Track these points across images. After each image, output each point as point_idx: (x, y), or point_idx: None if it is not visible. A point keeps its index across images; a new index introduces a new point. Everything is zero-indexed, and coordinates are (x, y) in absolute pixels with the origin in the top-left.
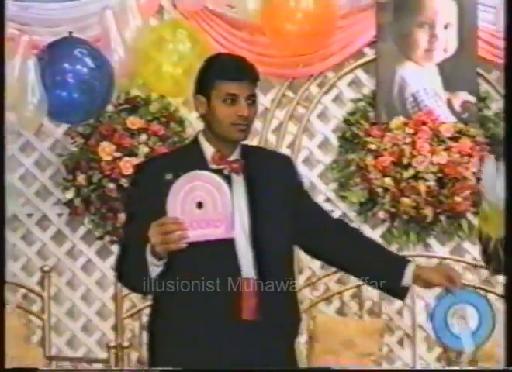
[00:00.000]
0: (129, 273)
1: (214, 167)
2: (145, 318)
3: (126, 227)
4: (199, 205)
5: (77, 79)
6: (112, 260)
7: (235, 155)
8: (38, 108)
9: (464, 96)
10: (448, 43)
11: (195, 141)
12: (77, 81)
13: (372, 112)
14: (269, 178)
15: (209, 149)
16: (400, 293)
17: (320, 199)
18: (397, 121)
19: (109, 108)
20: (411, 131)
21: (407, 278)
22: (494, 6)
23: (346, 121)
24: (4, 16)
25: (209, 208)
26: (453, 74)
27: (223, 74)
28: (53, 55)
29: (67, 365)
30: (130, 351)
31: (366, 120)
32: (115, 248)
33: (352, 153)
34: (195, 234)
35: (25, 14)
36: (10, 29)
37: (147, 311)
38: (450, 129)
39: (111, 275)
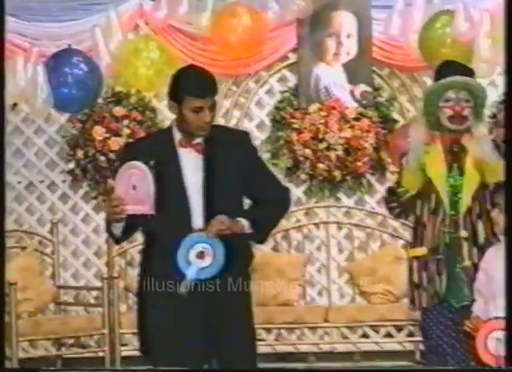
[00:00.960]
0: (108, 230)
1: (181, 149)
2: (129, 256)
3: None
4: (134, 187)
5: (75, 79)
6: (103, 214)
7: (198, 139)
8: (46, 101)
9: (363, 87)
10: (350, 48)
11: (169, 129)
12: (75, 81)
13: (295, 101)
14: (227, 149)
15: (177, 136)
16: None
17: None
18: (314, 106)
19: (100, 100)
20: (324, 114)
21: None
22: (384, 20)
23: (276, 107)
24: (4, 16)
25: (139, 190)
26: (354, 71)
27: (192, 91)
28: (57, 62)
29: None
30: (119, 281)
31: (291, 107)
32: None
33: (281, 131)
34: (131, 209)
35: (34, 31)
36: (23, 43)
37: (132, 250)
38: (353, 112)
39: (103, 225)
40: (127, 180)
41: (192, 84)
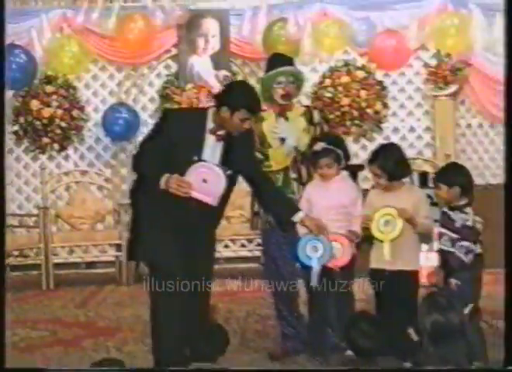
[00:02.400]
0: (145, 168)
1: (209, 135)
2: (58, 193)
3: (150, 144)
4: (204, 181)
5: (17, 66)
6: (39, 163)
7: (222, 131)
8: None
9: (224, 72)
10: (214, 45)
11: (204, 114)
12: (17, 67)
13: (176, 82)
14: (238, 142)
15: (210, 124)
16: (287, 226)
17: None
18: (189, 86)
19: (35, 81)
20: (196, 91)
21: (296, 218)
22: (238, 24)
23: (163, 87)
24: (4, 17)
25: (209, 184)
26: (217, 61)
27: (251, 107)
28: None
29: None
30: (50, 210)
31: (173, 86)
32: (41, 156)
33: (166, 103)
34: (195, 194)
35: None
36: None
37: (60, 188)
38: (216, 90)
39: (36, 168)
40: (200, 174)
41: (251, 100)
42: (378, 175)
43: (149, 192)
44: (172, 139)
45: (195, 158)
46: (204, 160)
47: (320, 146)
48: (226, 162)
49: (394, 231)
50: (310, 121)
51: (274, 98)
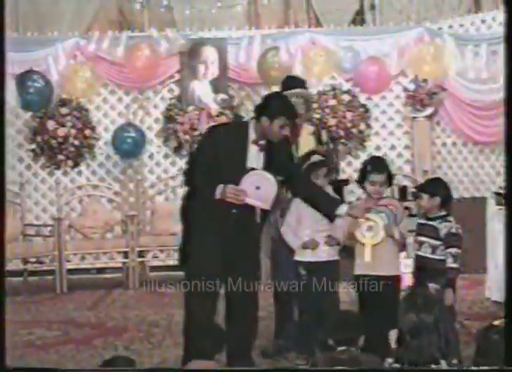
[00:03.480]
0: (198, 182)
1: (251, 145)
2: (72, 205)
3: (198, 159)
4: (257, 188)
5: (35, 90)
6: (54, 177)
7: (263, 141)
8: (16, 104)
9: (222, 96)
10: (214, 70)
11: (245, 126)
12: (35, 91)
13: (179, 104)
14: (277, 150)
15: (252, 135)
16: (333, 218)
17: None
18: (191, 108)
19: (52, 104)
20: (197, 113)
21: (340, 211)
22: (235, 52)
23: (167, 108)
24: (4, 17)
25: (262, 190)
26: (216, 85)
27: (288, 114)
28: (23, 78)
29: None
30: (65, 221)
31: (176, 107)
32: (56, 172)
33: (170, 124)
34: (249, 201)
35: (8, 58)
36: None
37: (74, 201)
38: (215, 112)
39: (52, 182)
40: (253, 182)
41: (289, 110)
42: (381, 183)
43: (200, 203)
44: (219, 152)
45: (249, 167)
46: (255, 169)
47: (316, 158)
48: (268, 169)
49: (376, 237)
50: (319, 140)
51: None
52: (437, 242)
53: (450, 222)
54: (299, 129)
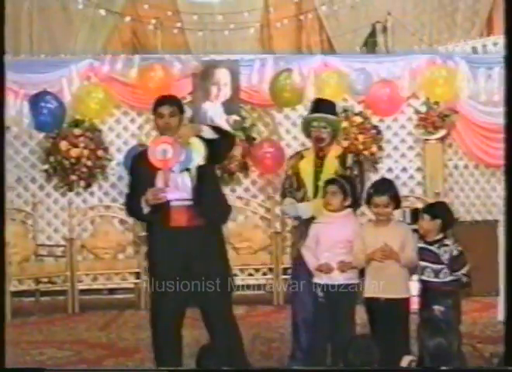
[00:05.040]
0: (131, 209)
1: None
2: (84, 225)
3: (129, 188)
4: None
5: (48, 111)
6: (67, 198)
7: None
8: (29, 125)
9: (234, 117)
10: (226, 92)
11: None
12: (48, 112)
13: (194, 123)
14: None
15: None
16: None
17: None
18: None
19: (64, 124)
20: None
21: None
22: (247, 74)
23: None
24: (4, 18)
25: (174, 182)
26: (228, 107)
27: (159, 102)
28: (36, 99)
29: None
30: (76, 241)
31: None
32: (69, 192)
33: None
34: (170, 196)
35: (22, 79)
36: (14, 86)
37: (86, 221)
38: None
39: (64, 203)
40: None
41: (158, 99)
42: (385, 205)
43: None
44: (140, 175)
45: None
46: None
47: (330, 176)
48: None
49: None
50: (343, 164)
51: (311, 140)
52: (439, 267)
53: (448, 245)
54: (326, 152)
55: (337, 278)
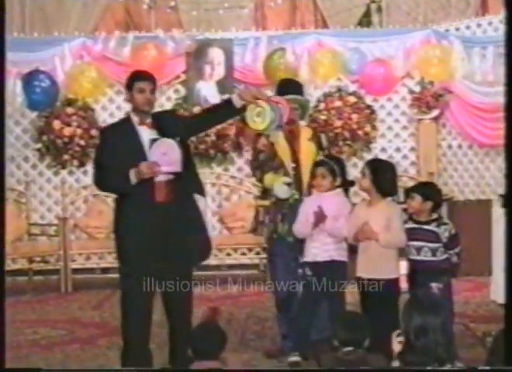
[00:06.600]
0: (111, 183)
1: (141, 130)
2: (76, 204)
3: (100, 164)
4: (164, 154)
5: (41, 89)
6: (60, 177)
7: (149, 119)
8: (22, 103)
9: (228, 96)
10: (220, 71)
11: (128, 116)
12: (41, 90)
13: (185, 105)
14: (166, 121)
15: (135, 119)
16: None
17: None
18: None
19: (57, 103)
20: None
21: (235, 101)
22: (241, 53)
23: (174, 107)
24: (4, 18)
25: (169, 155)
26: (222, 86)
27: (137, 77)
28: (29, 78)
29: None
30: (69, 220)
31: (182, 108)
32: (62, 171)
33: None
34: (164, 169)
35: (15, 57)
36: (7, 65)
37: (78, 201)
38: None
39: (57, 182)
40: (160, 150)
41: (135, 73)
42: (367, 190)
43: (123, 202)
44: (116, 151)
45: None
46: (157, 138)
47: (308, 158)
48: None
49: (263, 123)
50: (319, 145)
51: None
52: (437, 245)
53: (447, 224)
54: (296, 133)
55: (329, 254)
